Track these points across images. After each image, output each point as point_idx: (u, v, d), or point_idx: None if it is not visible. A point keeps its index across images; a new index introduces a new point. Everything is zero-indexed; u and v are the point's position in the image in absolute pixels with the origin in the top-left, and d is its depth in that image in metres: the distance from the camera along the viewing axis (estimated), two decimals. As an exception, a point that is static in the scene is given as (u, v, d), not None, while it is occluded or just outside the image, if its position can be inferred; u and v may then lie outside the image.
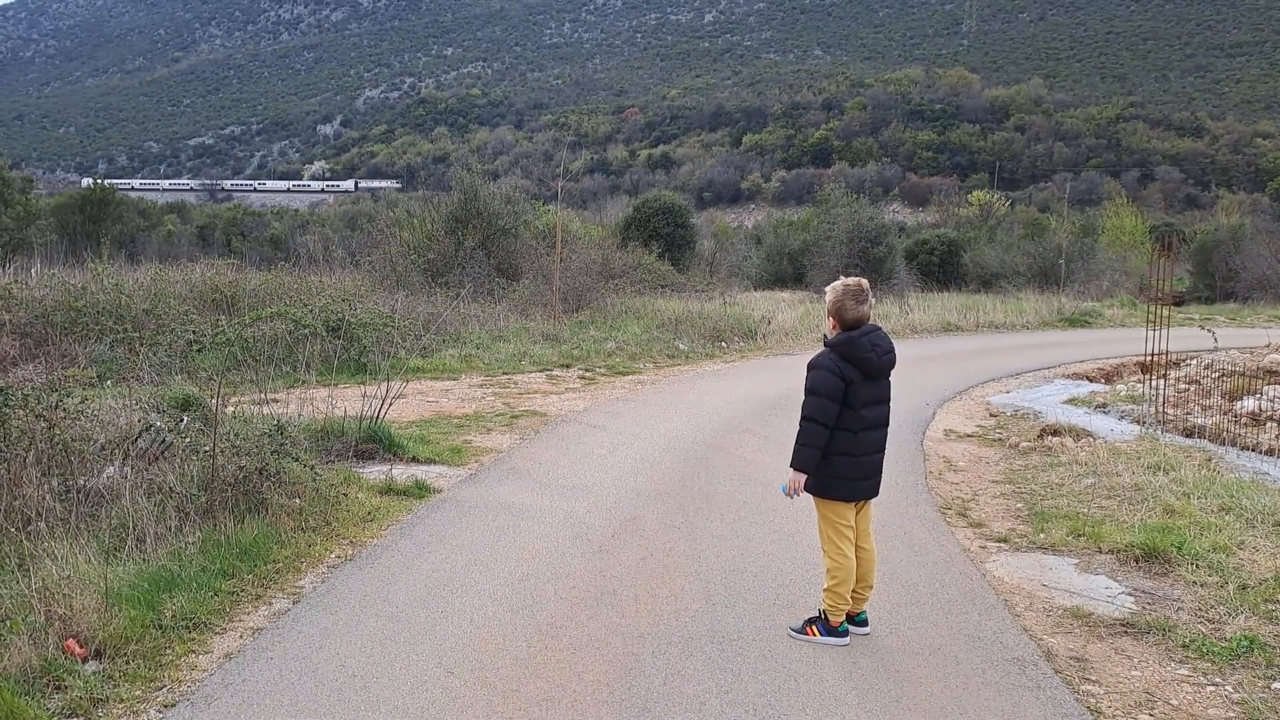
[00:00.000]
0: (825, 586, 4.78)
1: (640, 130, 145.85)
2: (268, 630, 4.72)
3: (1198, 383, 12.51)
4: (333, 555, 5.86)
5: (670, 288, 25.25)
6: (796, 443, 4.74)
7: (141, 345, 11.89)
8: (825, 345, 4.77)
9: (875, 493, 4.87)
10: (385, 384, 8.62)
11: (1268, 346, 14.46)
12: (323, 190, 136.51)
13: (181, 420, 7.33)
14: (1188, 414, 11.03)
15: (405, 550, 5.98)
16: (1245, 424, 10.35)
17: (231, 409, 7.57)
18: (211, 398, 8.23)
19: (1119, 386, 13.97)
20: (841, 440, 4.69)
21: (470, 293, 19.75)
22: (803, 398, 4.74)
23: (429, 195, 37.03)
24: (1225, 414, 10.81)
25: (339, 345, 12.89)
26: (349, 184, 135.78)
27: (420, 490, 7.32)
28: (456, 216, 23.24)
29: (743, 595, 5.34)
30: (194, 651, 4.47)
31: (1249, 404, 10.70)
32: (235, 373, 10.79)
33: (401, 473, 7.70)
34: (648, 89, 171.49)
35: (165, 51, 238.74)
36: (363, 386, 10.24)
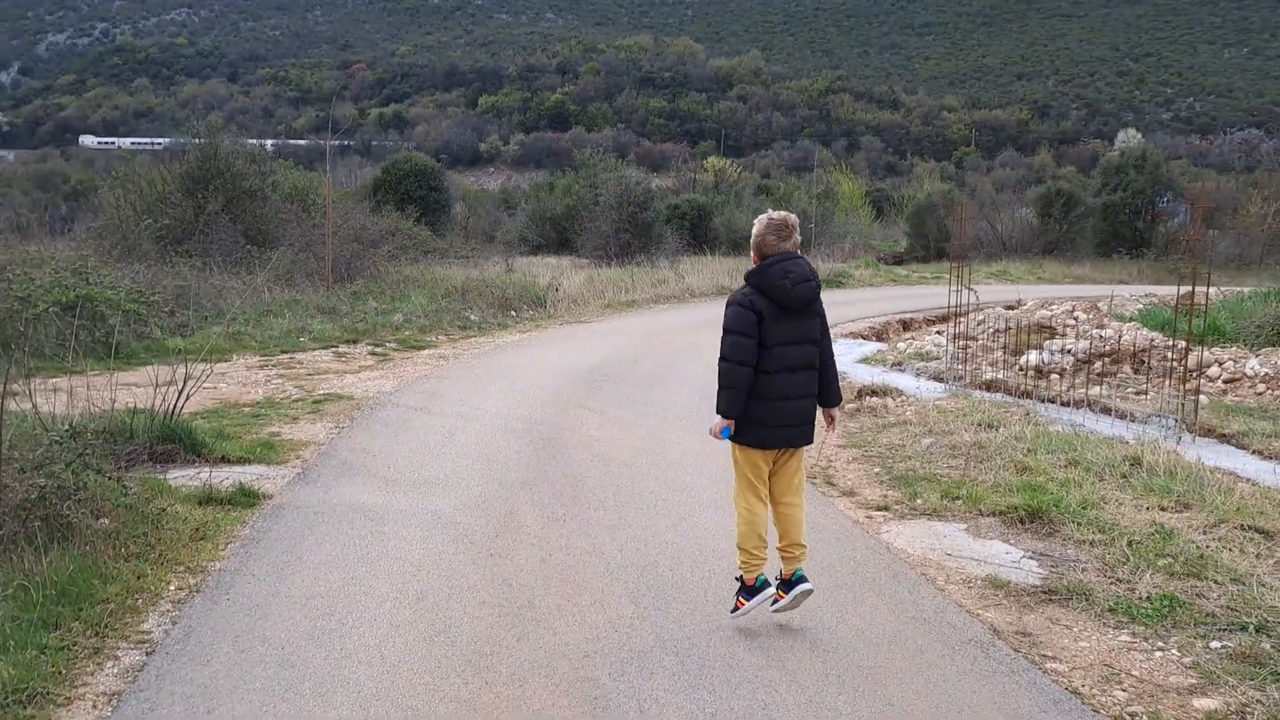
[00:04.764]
0: (736, 543, 4.49)
1: (370, 88, 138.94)
2: (129, 695, 3.72)
3: (974, 339, 13.40)
4: (172, 587, 4.82)
5: (434, 254, 24.07)
6: (718, 386, 4.41)
7: None
8: (745, 279, 4.49)
9: (801, 442, 4.53)
10: (183, 368, 7.31)
11: (1019, 304, 15.79)
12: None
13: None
14: (977, 369, 11.74)
15: (260, 574, 5.03)
16: (1031, 377, 11.16)
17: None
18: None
19: (900, 345, 14.75)
20: (754, 382, 4.35)
21: (220, 262, 17.75)
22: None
23: (157, 152, 33.12)
24: (1011, 369, 11.61)
25: (78, 325, 11.06)
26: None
27: (247, 497, 6.26)
28: (194, 176, 20.74)
29: (669, 594, 4.90)
30: (30, 740, 3.43)
31: (1033, 358, 11.55)
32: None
33: (215, 476, 6.53)
34: (375, 45, 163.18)
35: None
36: (114, 374, 8.66)
